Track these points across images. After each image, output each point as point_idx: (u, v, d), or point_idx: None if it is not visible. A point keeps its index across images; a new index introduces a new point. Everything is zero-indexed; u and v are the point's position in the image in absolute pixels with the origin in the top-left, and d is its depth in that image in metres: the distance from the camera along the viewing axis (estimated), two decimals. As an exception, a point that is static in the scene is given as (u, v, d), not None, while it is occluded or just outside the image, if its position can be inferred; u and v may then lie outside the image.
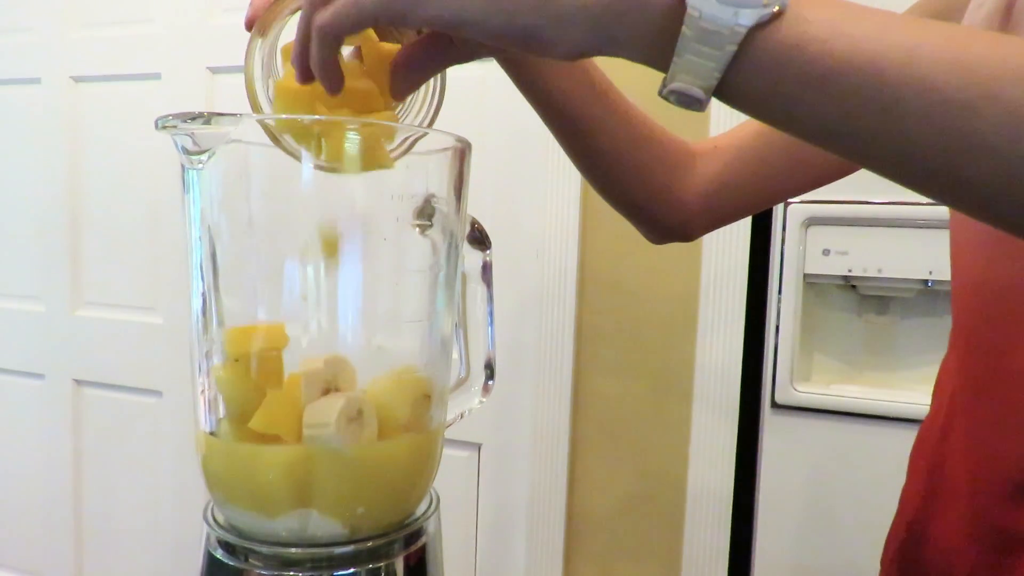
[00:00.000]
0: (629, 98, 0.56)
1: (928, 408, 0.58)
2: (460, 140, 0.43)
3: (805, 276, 0.95)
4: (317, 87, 0.38)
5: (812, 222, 0.93)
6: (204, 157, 0.37)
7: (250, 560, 0.40)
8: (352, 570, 0.40)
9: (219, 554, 0.41)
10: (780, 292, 0.96)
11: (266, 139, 0.39)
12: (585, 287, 1.17)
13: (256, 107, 0.42)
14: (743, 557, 1.07)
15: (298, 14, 0.38)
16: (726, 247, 1.07)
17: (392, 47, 0.41)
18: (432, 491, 0.47)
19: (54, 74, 1.50)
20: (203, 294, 0.42)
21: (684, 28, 0.30)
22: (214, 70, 1.37)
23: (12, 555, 1.66)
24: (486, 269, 0.51)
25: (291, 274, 0.41)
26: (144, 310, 1.48)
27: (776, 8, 0.29)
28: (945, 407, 0.53)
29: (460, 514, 1.27)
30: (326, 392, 0.40)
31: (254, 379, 0.41)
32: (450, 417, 0.49)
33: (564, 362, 1.17)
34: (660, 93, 0.32)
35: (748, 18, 0.29)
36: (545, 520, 1.20)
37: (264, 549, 0.40)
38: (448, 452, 0.56)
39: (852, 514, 0.95)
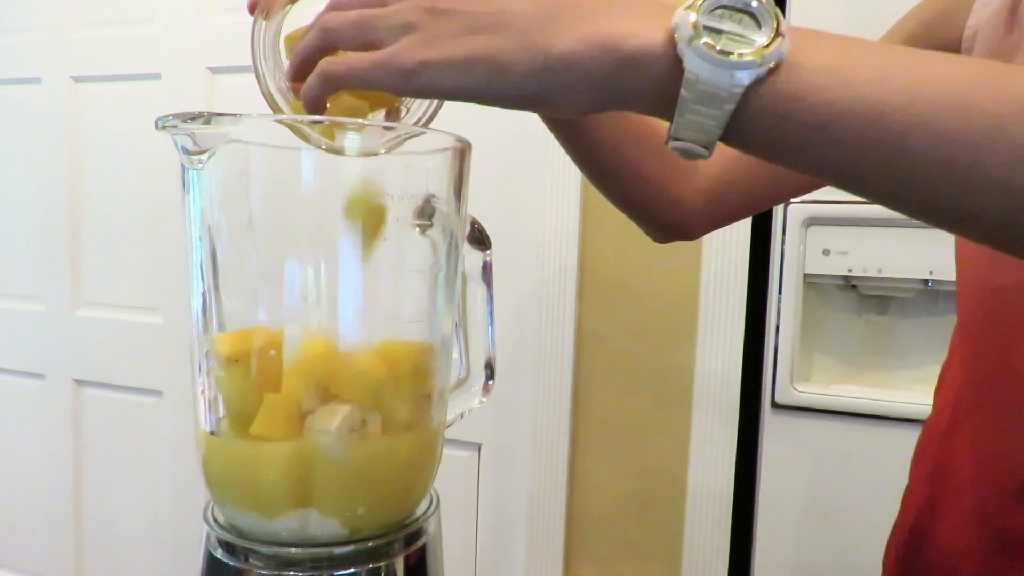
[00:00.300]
0: None
1: (929, 408, 0.58)
2: (460, 140, 0.43)
3: (805, 276, 0.95)
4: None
5: (812, 222, 0.93)
6: (204, 157, 0.38)
7: (250, 560, 0.40)
8: (352, 570, 0.40)
9: (219, 554, 0.41)
10: (780, 292, 0.96)
11: (266, 139, 0.40)
12: (585, 287, 1.17)
13: (265, 93, 0.42)
14: (743, 557, 1.07)
15: (300, 2, 0.38)
16: (726, 247, 1.07)
17: None
18: (432, 491, 0.47)
19: (54, 74, 1.50)
20: (203, 294, 0.42)
21: (683, 91, 0.30)
22: (214, 70, 1.37)
23: (12, 555, 1.66)
24: (486, 269, 0.51)
25: (291, 274, 0.41)
26: (144, 310, 1.48)
27: (772, 64, 0.30)
28: (949, 407, 0.53)
29: (460, 514, 1.27)
30: (325, 392, 0.40)
31: (253, 380, 0.41)
32: (450, 417, 0.49)
33: (564, 362, 1.17)
34: (665, 144, 0.33)
35: (745, 78, 0.30)
36: (545, 520, 1.20)
37: (264, 549, 0.40)
38: (448, 452, 0.56)
39: (852, 514, 0.95)
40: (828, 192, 0.63)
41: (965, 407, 0.51)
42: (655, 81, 0.31)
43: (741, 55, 0.29)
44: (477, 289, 0.51)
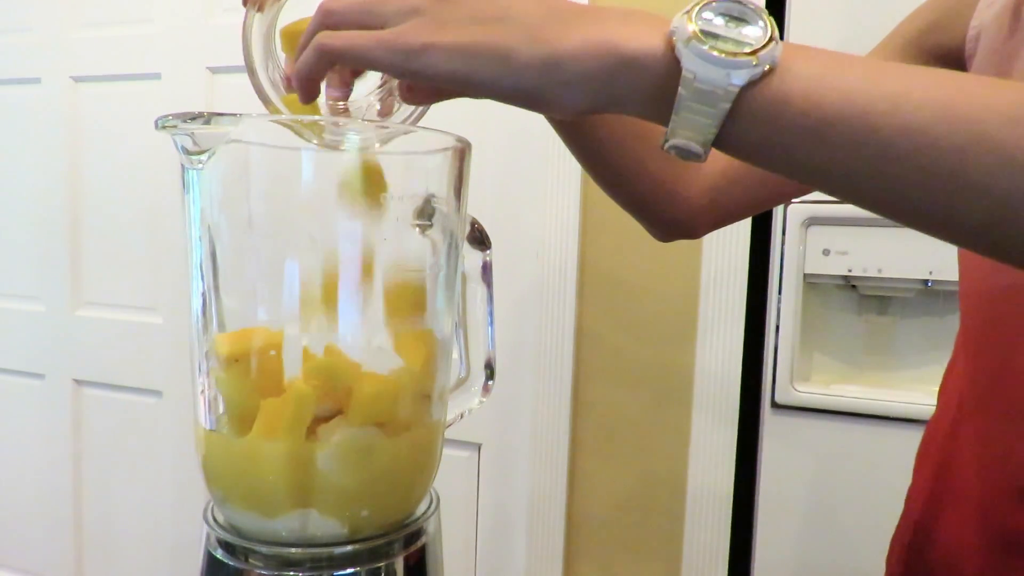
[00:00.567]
0: None
1: (929, 408, 0.58)
2: (460, 140, 0.43)
3: (805, 276, 0.95)
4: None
5: (812, 222, 0.93)
6: (204, 157, 0.38)
7: (250, 560, 0.40)
8: (352, 570, 0.40)
9: (219, 554, 0.41)
10: (780, 292, 0.96)
11: (265, 139, 0.40)
12: (585, 287, 1.17)
13: (256, 86, 0.42)
14: (743, 557, 1.07)
15: None
16: (726, 247, 1.07)
17: None
18: (432, 491, 0.47)
19: (54, 74, 1.50)
20: (203, 294, 0.42)
21: (680, 89, 0.31)
22: (214, 70, 1.37)
23: (12, 555, 1.66)
24: (486, 269, 0.51)
25: (291, 274, 0.41)
26: (144, 310, 1.48)
27: (767, 66, 0.31)
28: (953, 408, 0.53)
29: (460, 514, 1.27)
30: (325, 393, 0.40)
31: (253, 380, 0.41)
32: (450, 417, 0.49)
33: (564, 362, 1.17)
34: (661, 147, 0.34)
35: (740, 77, 0.31)
36: (545, 520, 1.20)
37: (264, 549, 0.40)
38: (448, 452, 0.56)
39: (852, 514, 0.95)
40: (828, 192, 0.63)
41: (969, 408, 0.51)
42: (653, 80, 0.32)
43: (736, 55, 0.31)
44: (477, 289, 0.51)
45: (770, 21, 0.32)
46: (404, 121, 0.44)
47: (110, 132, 1.47)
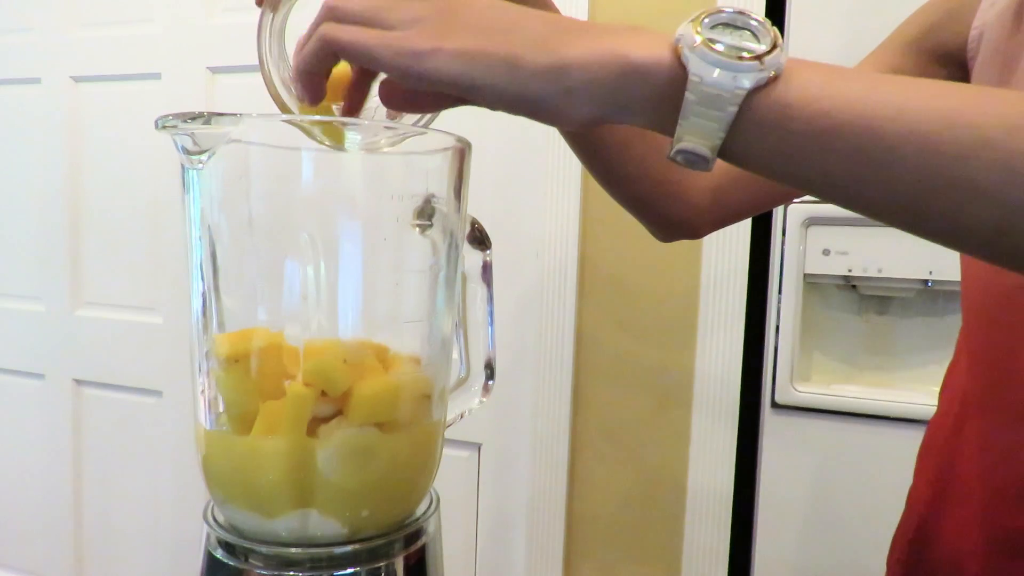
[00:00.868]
0: None
1: (929, 408, 0.58)
2: (460, 140, 0.43)
3: (805, 276, 0.95)
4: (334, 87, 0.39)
5: (812, 222, 0.93)
6: (204, 157, 0.37)
7: (250, 560, 0.40)
8: (352, 570, 0.40)
9: (219, 554, 0.41)
10: (780, 292, 0.96)
11: (266, 139, 0.40)
12: (585, 287, 1.17)
13: (269, 85, 0.42)
14: (743, 557, 1.07)
15: None
16: (726, 247, 1.07)
17: None
18: (432, 491, 0.47)
19: (54, 74, 1.50)
20: (203, 294, 0.42)
21: (688, 93, 0.31)
22: (214, 70, 1.37)
23: (12, 555, 1.66)
24: (486, 269, 0.51)
25: (291, 274, 0.41)
26: (144, 310, 1.48)
27: (772, 73, 0.31)
28: (955, 408, 0.53)
29: (460, 514, 1.27)
30: (326, 393, 0.40)
31: (253, 380, 0.41)
32: (450, 417, 0.49)
33: (564, 362, 1.17)
34: (668, 156, 0.34)
35: (747, 81, 0.31)
36: (545, 520, 1.20)
37: (264, 549, 0.40)
38: (448, 452, 0.56)
39: (852, 514, 0.95)
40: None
41: (971, 408, 0.51)
42: (660, 88, 0.32)
43: (743, 58, 0.31)
44: (477, 289, 0.51)
45: (774, 32, 0.32)
46: (416, 124, 0.44)
47: (110, 132, 1.47)
